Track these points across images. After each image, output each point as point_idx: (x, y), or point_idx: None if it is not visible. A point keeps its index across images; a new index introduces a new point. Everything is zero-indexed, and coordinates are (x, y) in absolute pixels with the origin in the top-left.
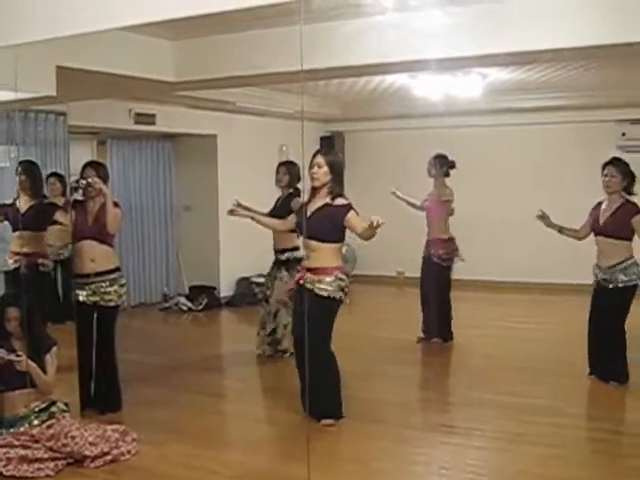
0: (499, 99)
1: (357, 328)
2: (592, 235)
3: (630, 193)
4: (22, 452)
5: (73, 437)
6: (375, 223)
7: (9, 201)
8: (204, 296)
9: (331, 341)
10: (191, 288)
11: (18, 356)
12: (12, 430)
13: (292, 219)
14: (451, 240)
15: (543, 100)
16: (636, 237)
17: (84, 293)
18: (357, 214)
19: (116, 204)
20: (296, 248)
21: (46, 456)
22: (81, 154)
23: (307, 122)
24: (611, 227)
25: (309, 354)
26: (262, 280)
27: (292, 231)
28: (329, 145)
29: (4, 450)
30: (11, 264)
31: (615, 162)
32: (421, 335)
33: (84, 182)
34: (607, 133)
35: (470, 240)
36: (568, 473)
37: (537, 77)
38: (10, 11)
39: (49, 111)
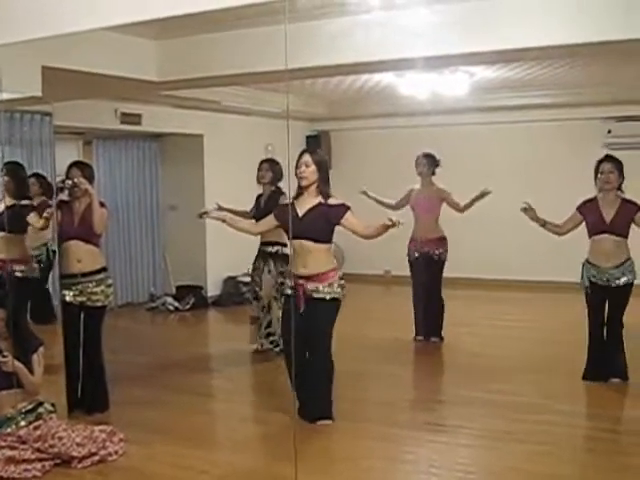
0: (486, 97)
1: (345, 327)
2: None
3: (620, 190)
4: (9, 453)
5: (60, 438)
6: (393, 222)
7: None
8: (191, 296)
9: None
10: (178, 288)
11: (4, 356)
12: None
13: (270, 221)
14: (444, 239)
15: (530, 98)
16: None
17: (71, 293)
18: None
19: (102, 204)
20: (285, 244)
21: (33, 457)
22: (67, 154)
23: (293, 121)
24: (618, 225)
25: (315, 357)
26: (249, 279)
27: None
28: (315, 144)
29: None
30: None
31: (611, 159)
32: (419, 336)
33: (70, 182)
34: (593, 131)
35: (458, 238)
36: (557, 470)
37: (523, 75)
38: None
39: (34, 111)
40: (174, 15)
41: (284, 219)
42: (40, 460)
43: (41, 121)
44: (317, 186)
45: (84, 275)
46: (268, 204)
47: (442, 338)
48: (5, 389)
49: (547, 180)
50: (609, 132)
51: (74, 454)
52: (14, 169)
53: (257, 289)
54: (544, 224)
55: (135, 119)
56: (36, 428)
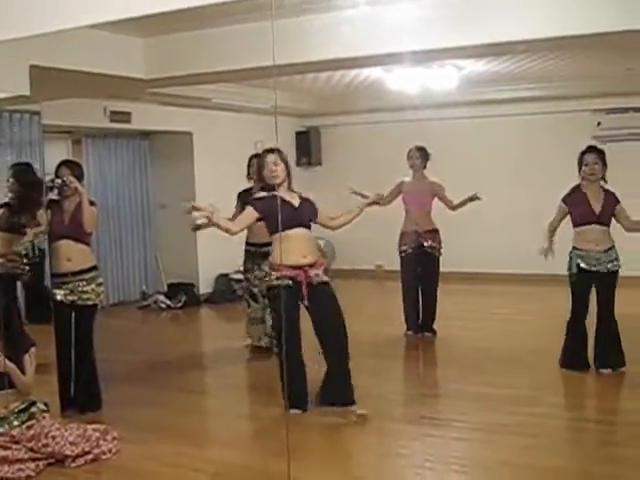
0: (475, 91)
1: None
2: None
3: (604, 180)
4: (2, 453)
5: (54, 437)
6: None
7: None
8: (183, 293)
9: None
10: (170, 286)
11: None
12: None
13: (250, 215)
14: (437, 232)
15: (519, 91)
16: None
17: (62, 292)
18: None
19: (92, 202)
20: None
21: (26, 457)
22: (56, 153)
23: (282, 117)
24: (606, 216)
25: (338, 338)
26: (241, 277)
27: None
28: (305, 140)
29: None
30: None
31: (595, 150)
32: (409, 331)
33: (59, 181)
34: (583, 123)
35: (447, 231)
36: (550, 462)
37: (512, 68)
38: None
39: (23, 111)
40: (162, 12)
41: (271, 211)
42: (33, 460)
43: (30, 120)
44: (288, 183)
45: (74, 274)
46: None
47: (435, 332)
48: None
49: (537, 173)
50: (598, 124)
51: (67, 453)
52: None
53: (255, 290)
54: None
55: (124, 117)
56: (29, 428)
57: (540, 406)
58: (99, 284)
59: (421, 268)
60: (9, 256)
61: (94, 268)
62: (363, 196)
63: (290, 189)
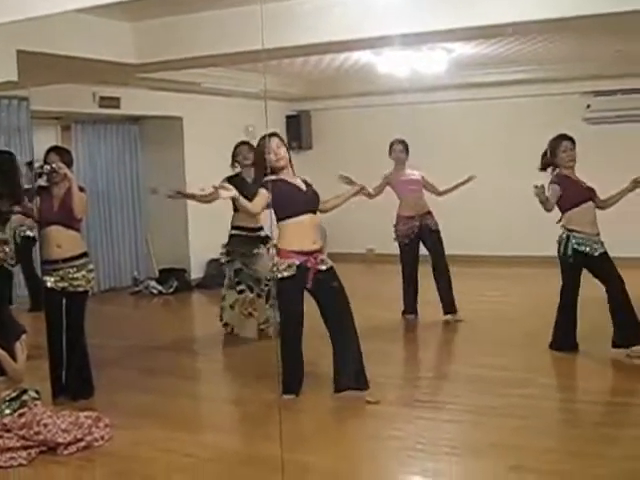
0: (464, 74)
1: None
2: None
3: None
4: None
5: (45, 425)
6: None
7: None
8: (174, 279)
9: None
10: (161, 271)
11: None
12: None
13: (264, 198)
14: (432, 213)
15: (508, 74)
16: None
17: (52, 279)
18: None
19: (81, 189)
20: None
21: (18, 445)
22: (45, 139)
23: (273, 102)
24: (594, 195)
25: (349, 324)
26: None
27: None
28: (296, 124)
29: None
30: None
31: (569, 137)
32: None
33: (48, 167)
34: (573, 106)
35: (438, 215)
36: (541, 444)
37: (502, 51)
38: None
39: (11, 96)
40: None
41: (282, 195)
42: (25, 448)
43: (18, 106)
44: (291, 166)
45: (65, 261)
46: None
47: (454, 311)
48: None
49: (526, 156)
50: (588, 107)
51: (60, 441)
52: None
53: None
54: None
55: (114, 102)
56: (21, 416)
57: (532, 387)
58: (90, 270)
59: (430, 247)
60: None
61: (84, 254)
62: (352, 184)
63: (294, 173)
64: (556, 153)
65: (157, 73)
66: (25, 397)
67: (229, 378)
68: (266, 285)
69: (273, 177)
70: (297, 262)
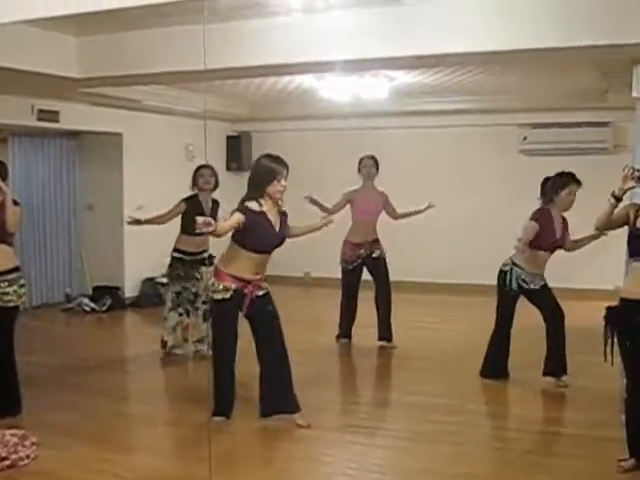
0: (405, 102)
1: None
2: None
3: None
4: None
5: None
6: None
7: None
8: (108, 297)
9: None
10: (95, 288)
11: None
12: None
13: (234, 222)
14: (379, 241)
15: (448, 103)
16: None
17: None
18: None
19: (16, 202)
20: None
21: None
22: None
23: (214, 122)
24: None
25: (283, 353)
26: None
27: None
28: (236, 145)
29: None
30: None
31: (578, 180)
32: (342, 339)
33: None
34: (511, 136)
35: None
36: (473, 470)
37: (442, 81)
38: None
39: None
40: (96, 10)
41: (255, 229)
42: None
43: None
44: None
45: None
46: (212, 213)
47: (390, 339)
48: None
49: (467, 184)
50: (525, 139)
51: None
52: None
53: (194, 298)
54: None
55: (52, 116)
56: None
57: (462, 414)
58: (21, 285)
59: (374, 274)
60: None
61: (16, 269)
62: (320, 206)
63: (279, 206)
64: (558, 191)
65: (98, 88)
66: None
67: (161, 399)
68: (204, 303)
69: (257, 208)
70: (234, 286)
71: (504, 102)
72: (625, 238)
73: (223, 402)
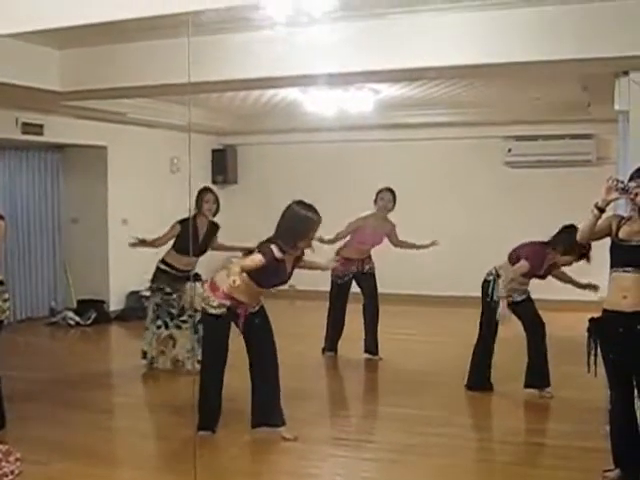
0: (390, 114)
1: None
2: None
3: None
4: None
5: None
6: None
7: None
8: (93, 310)
9: None
10: (79, 302)
11: None
12: None
13: (255, 264)
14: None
15: (432, 116)
16: None
17: None
18: None
19: (0, 216)
20: None
21: None
22: None
23: (199, 135)
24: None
25: (275, 368)
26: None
27: None
28: (221, 158)
29: None
30: None
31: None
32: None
33: None
34: (495, 149)
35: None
36: None
37: (427, 94)
38: None
39: None
40: (78, 24)
41: (270, 272)
42: None
43: None
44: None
45: None
46: (205, 238)
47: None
48: None
49: (453, 196)
50: (509, 151)
51: None
52: None
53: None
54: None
55: (37, 129)
56: None
57: (448, 426)
58: (5, 300)
59: (364, 289)
60: None
61: (1, 283)
62: (322, 241)
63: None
64: (571, 252)
65: (83, 101)
66: None
67: (146, 412)
68: (190, 316)
69: (279, 255)
70: (228, 304)
71: (488, 115)
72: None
73: (209, 416)
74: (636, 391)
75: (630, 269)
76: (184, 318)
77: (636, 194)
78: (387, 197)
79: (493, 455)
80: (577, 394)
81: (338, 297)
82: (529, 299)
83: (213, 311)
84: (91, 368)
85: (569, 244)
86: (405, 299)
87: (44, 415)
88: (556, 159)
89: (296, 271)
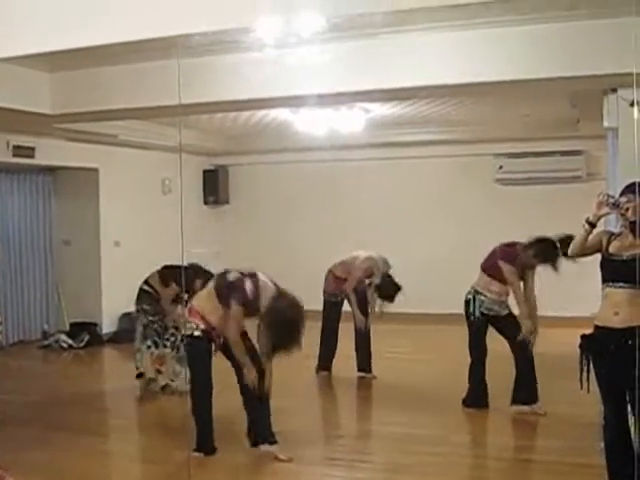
0: (381, 133)
1: None
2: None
3: None
4: None
5: None
6: None
7: None
8: (85, 333)
9: None
10: (72, 325)
11: None
12: None
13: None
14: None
15: (424, 134)
16: None
17: None
18: None
19: None
20: None
21: None
22: None
23: (191, 155)
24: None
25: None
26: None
27: None
28: (213, 179)
29: None
30: None
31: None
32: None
33: None
34: (487, 166)
35: None
36: None
37: (418, 112)
38: None
39: None
40: (69, 48)
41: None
42: None
43: None
44: None
45: None
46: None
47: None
48: None
49: (442, 213)
50: (500, 168)
51: None
52: None
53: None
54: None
55: (28, 152)
56: None
57: (443, 445)
58: None
59: (365, 307)
60: None
61: None
62: None
63: None
64: (547, 260)
65: (73, 124)
66: None
67: (140, 435)
68: (172, 335)
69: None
70: (203, 326)
71: (479, 132)
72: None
73: (202, 437)
74: (629, 407)
75: (621, 284)
76: (167, 337)
77: (627, 209)
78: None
79: (488, 473)
80: (571, 410)
81: (331, 316)
82: (511, 314)
83: (192, 332)
84: (84, 391)
85: (543, 248)
86: (397, 317)
87: (37, 439)
88: (547, 176)
89: (292, 289)
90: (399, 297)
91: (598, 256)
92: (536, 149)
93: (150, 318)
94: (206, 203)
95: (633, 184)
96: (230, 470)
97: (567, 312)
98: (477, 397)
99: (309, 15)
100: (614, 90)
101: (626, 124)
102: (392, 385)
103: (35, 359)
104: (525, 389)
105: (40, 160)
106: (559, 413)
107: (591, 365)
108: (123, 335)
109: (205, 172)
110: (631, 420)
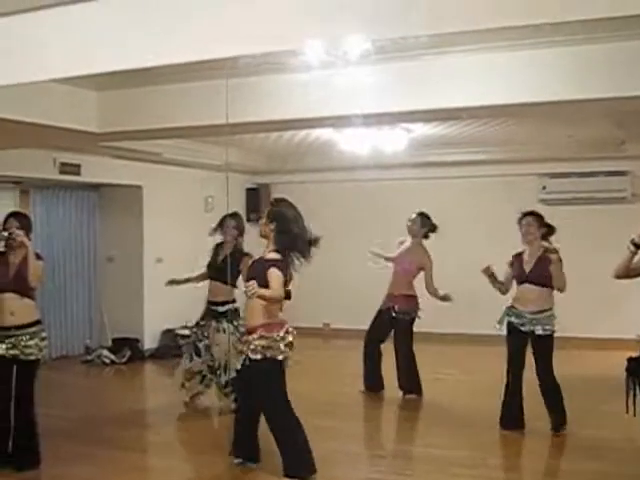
0: (424, 153)
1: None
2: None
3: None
4: None
5: None
6: None
7: None
8: (127, 348)
9: None
10: (114, 340)
11: None
12: None
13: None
14: (411, 297)
15: (466, 154)
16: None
17: (3, 346)
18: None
19: (39, 256)
20: (234, 300)
21: None
22: (3, 204)
23: (233, 174)
24: (536, 275)
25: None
26: (187, 332)
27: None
28: (255, 197)
29: None
30: None
31: (530, 213)
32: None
33: (5, 234)
34: (530, 186)
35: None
36: None
37: (460, 132)
38: None
39: None
40: (120, 70)
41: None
42: None
43: None
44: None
45: (17, 328)
46: (232, 265)
47: (416, 392)
48: None
49: (487, 234)
50: (544, 188)
51: None
52: None
53: (200, 344)
54: (496, 284)
55: (74, 169)
56: None
57: (482, 467)
58: (43, 339)
59: (394, 330)
60: None
61: (38, 322)
62: (385, 258)
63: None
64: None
65: (118, 142)
66: None
67: (180, 451)
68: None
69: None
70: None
71: (522, 152)
72: None
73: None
74: None
75: None
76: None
77: None
78: (414, 220)
79: None
80: (618, 434)
81: (372, 331)
82: (547, 336)
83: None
84: (126, 406)
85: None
86: (439, 338)
87: (79, 453)
88: (591, 196)
89: (331, 310)
90: (442, 317)
91: None
92: (580, 169)
93: (202, 334)
94: (249, 220)
95: None
96: None
97: (612, 334)
98: (512, 419)
99: (354, 38)
100: None
101: None
102: (435, 405)
103: (78, 374)
104: (554, 414)
105: (86, 177)
106: (606, 437)
107: (637, 388)
108: (165, 351)
109: (247, 190)
110: None
